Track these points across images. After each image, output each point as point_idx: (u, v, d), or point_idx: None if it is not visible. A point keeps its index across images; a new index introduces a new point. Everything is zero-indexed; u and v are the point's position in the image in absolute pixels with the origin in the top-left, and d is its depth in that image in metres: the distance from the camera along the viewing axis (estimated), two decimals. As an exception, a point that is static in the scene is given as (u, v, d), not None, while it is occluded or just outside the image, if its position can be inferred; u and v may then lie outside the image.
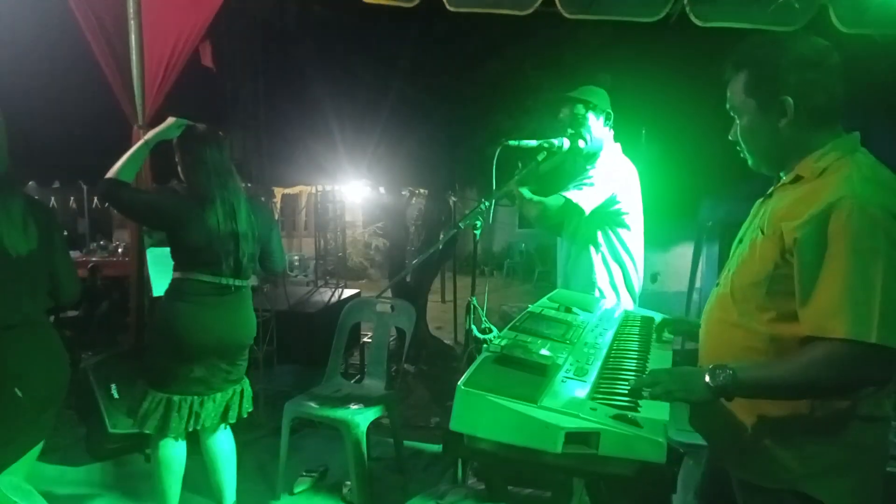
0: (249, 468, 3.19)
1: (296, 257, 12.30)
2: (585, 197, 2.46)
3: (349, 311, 3.58)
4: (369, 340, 4.22)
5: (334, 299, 6.50)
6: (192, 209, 2.42)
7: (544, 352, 1.51)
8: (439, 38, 4.90)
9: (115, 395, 3.24)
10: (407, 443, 3.57)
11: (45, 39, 4.63)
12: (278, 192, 9.78)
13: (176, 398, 2.45)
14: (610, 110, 2.63)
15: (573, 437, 1.25)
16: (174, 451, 2.54)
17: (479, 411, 1.30)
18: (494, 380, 1.38)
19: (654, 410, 1.32)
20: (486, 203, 2.28)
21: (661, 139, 4.33)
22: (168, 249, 2.51)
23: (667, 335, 1.91)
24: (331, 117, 5.24)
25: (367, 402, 3.14)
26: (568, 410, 1.30)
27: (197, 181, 2.47)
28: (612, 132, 2.67)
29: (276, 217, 9.42)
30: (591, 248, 2.62)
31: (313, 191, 10.39)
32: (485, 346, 1.79)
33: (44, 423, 2.09)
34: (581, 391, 1.42)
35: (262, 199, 5.09)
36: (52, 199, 13.30)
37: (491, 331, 2.17)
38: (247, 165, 4.78)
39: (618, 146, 2.69)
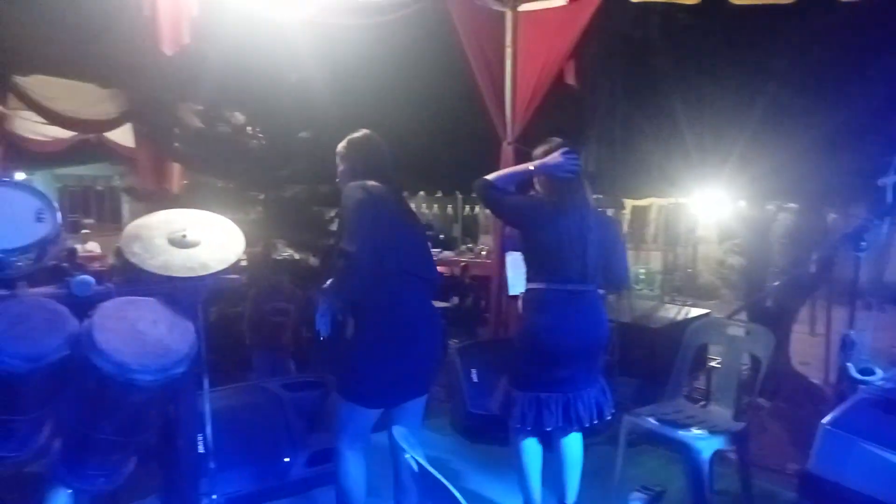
0: (584, 472, 3.28)
1: (642, 270, 12.12)
2: None
3: (696, 331, 3.40)
4: (717, 365, 3.94)
5: (680, 317, 6.21)
6: (549, 213, 2.59)
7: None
8: (822, 34, 4.30)
9: (475, 379, 3.67)
10: (756, 482, 3.23)
11: (436, 71, 5.49)
12: (628, 203, 9.78)
13: (544, 396, 2.62)
14: None
15: None
16: (533, 445, 2.73)
17: (848, 458, 1.13)
18: (871, 425, 1.17)
19: None
20: (877, 222, 1.93)
21: None
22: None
23: None
24: (688, 128, 5.05)
25: (713, 429, 2.94)
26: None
27: (552, 189, 2.64)
28: None
29: (625, 229, 9.44)
30: None
31: (665, 203, 10.10)
32: (862, 387, 1.53)
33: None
34: None
35: (612, 211, 5.17)
36: (435, 206, 15.69)
37: (874, 372, 1.83)
38: (599, 177, 4.92)
39: None
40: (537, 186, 2.74)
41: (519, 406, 2.64)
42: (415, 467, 1.55)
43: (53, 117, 6.28)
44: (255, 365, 4.88)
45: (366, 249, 2.32)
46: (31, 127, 7.07)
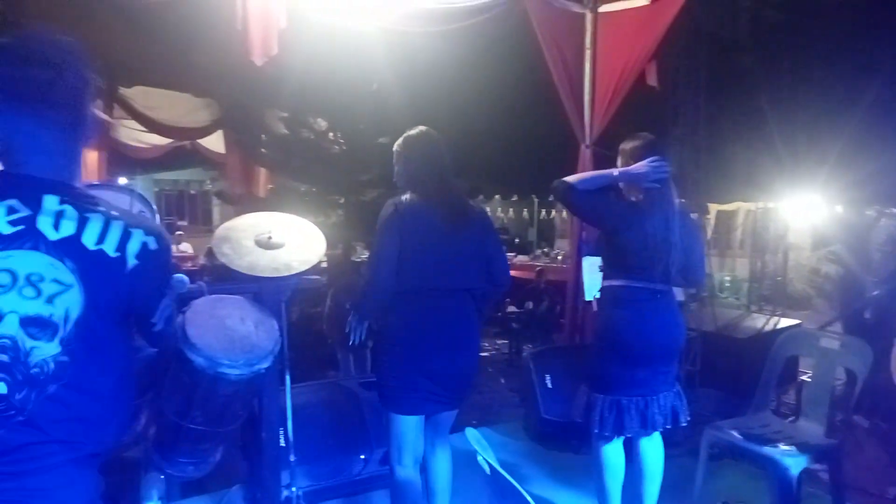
0: (662, 485, 3.18)
1: (727, 278, 11.62)
2: None
3: (785, 342, 3.24)
4: (808, 379, 3.73)
5: (768, 327, 5.92)
6: (632, 215, 2.54)
7: None
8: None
9: (549, 385, 3.64)
10: (850, 506, 3.03)
11: (512, 74, 5.49)
12: (713, 208, 9.41)
13: (624, 400, 2.56)
14: None
15: None
16: (616, 454, 2.65)
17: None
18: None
19: None
20: None
21: None
22: (599, 259, 2.71)
23: None
24: (777, 129, 4.82)
25: (801, 446, 2.79)
26: None
27: (637, 191, 2.59)
28: None
29: (709, 235, 9.08)
30: None
31: (752, 208, 9.65)
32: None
33: None
34: None
35: (696, 215, 4.99)
36: (511, 210, 15.64)
37: None
38: (682, 180, 4.77)
39: None
40: (621, 185, 2.66)
41: (598, 410, 2.58)
42: (487, 470, 1.56)
43: (153, 125, 6.71)
44: (337, 360, 5.09)
45: (382, 273, 2.34)
46: (133, 135, 7.59)
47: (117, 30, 4.73)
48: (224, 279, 2.46)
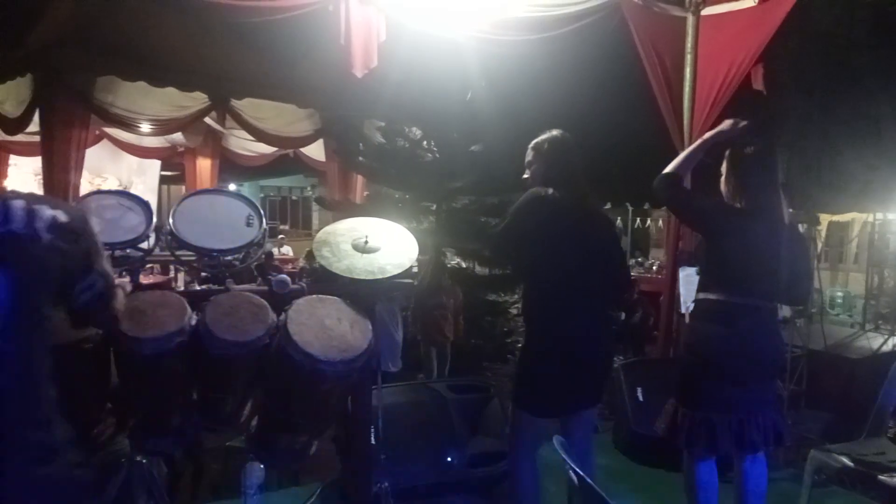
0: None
1: (839, 293, 10.83)
2: None
3: (905, 364, 2.99)
4: (932, 405, 3.42)
5: (886, 348, 5.47)
6: (738, 220, 2.42)
7: None
8: None
9: (640, 398, 3.55)
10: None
11: (606, 81, 5.41)
12: (824, 218, 8.81)
13: (715, 418, 2.44)
14: None
15: None
16: (709, 473, 2.55)
17: None
18: None
19: None
20: None
21: None
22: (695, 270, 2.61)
23: None
24: (901, 134, 4.45)
25: (922, 477, 2.57)
26: None
27: (743, 194, 2.45)
28: None
29: (820, 247, 8.51)
30: None
31: (869, 219, 8.95)
32: None
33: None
34: None
35: (805, 227, 4.71)
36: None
37: None
38: (790, 188, 4.51)
39: None
40: (725, 188, 2.54)
41: (688, 427, 2.48)
42: (575, 480, 1.55)
43: (260, 135, 7.12)
44: (421, 355, 5.28)
45: (507, 238, 2.44)
46: (241, 144, 8.09)
47: (230, 46, 5.09)
48: (322, 281, 2.58)
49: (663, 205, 2.68)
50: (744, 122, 2.49)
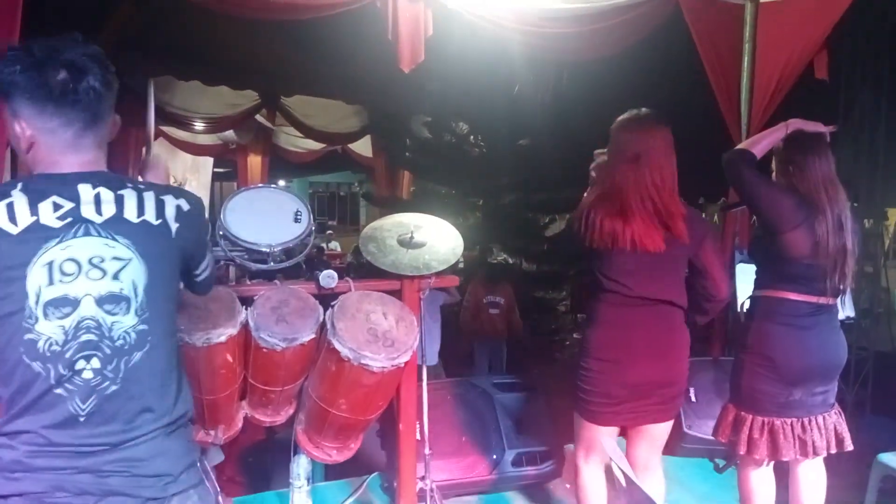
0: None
1: (907, 292, 10.29)
2: None
3: (982, 369, 2.81)
4: None
5: (959, 351, 5.17)
6: (806, 211, 2.29)
7: None
8: None
9: (693, 399, 3.45)
10: None
11: (656, 74, 5.25)
12: (892, 213, 8.41)
13: (778, 422, 2.35)
14: None
15: None
16: (765, 480, 2.46)
17: None
18: None
19: None
20: None
21: None
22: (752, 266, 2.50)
23: None
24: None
25: None
26: None
27: (807, 189, 2.33)
28: None
29: (888, 243, 8.11)
30: None
31: (942, 214, 8.49)
32: None
33: None
34: None
35: (870, 222, 4.50)
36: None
37: None
38: (854, 183, 4.29)
39: None
40: (792, 180, 2.37)
41: (747, 431, 2.38)
42: (622, 481, 1.51)
43: (308, 132, 7.23)
44: (474, 353, 5.25)
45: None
46: (291, 140, 8.23)
47: (279, 45, 5.16)
48: (369, 276, 2.59)
49: (730, 182, 2.51)
50: (831, 127, 2.38)
